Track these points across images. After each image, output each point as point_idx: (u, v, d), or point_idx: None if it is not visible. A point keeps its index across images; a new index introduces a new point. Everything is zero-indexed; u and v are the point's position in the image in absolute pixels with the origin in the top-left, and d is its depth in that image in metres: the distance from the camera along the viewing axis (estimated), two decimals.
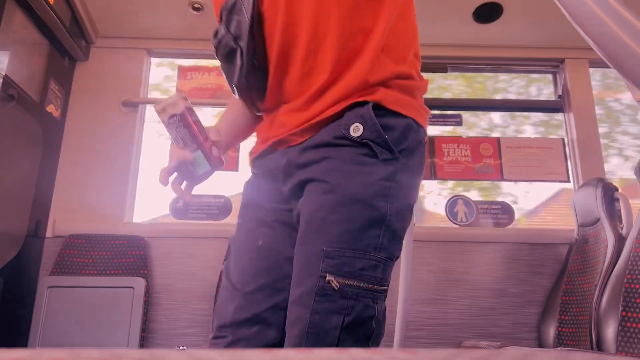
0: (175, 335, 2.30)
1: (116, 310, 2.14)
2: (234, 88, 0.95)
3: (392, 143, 0.84)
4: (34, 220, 2.32)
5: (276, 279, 0.92)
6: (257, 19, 0.88)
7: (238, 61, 0.90)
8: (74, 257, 2.30)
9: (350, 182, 0.83)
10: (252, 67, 0.90)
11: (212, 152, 0.91)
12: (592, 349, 1.87)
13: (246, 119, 1.08)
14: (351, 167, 0.84)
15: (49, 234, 2.41)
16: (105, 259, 2.31)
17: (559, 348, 2.09)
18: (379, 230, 0.83)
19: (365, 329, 0.82)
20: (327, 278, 0.80)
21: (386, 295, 0.88)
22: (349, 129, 0.84)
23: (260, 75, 0.92)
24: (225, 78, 0.96)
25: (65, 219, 2.44)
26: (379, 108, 0.85)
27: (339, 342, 0.79)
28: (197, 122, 0.90)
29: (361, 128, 0.83)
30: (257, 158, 0.99)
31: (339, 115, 0.86)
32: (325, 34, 0.86)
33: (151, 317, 2.30)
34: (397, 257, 0.89)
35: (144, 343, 2.20)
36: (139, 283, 2.19)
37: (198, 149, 0.89)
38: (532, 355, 0.30)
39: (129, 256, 2.32)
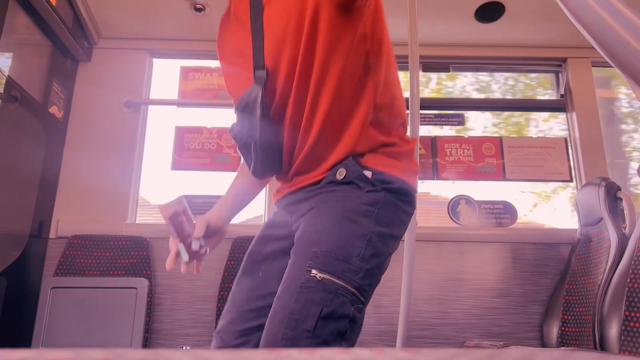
0: (179, 336, 2.31)
1: (119, 311, 2.14)
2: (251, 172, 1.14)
3: (374, 180, 1.00)
4: (37, 221, 2.33)
5: (264, 306, 1.06)
6: (267, 116, 1.03)
7: (253, 153, 1.07)
8: (77, 257, 2.30)
9: (339, 204, 0.99)
10: (265, 155, 1.07)
11: (192, 246, 1.11)
12: (595, 348, 1.87)
13: (251, 190, 1.29)
14: (340, 195, 1.00)
15: (52, 234, 2.42)
16: (108, 259, 2.32)
17: (562, 348, 2.09)
18: (361, 243, 0.95)
19: (340, 325, 0.91)
20: (312, 272, 0.91)
21: (363, 308, 0.96)
22: (335, 174, 1.01)
23: (274, 159, 1.09)
24: (242, 157, 1.16)
25: (68, 219, 2.44)
26: (364, 168, 1.01)
27: (314, 330, 0.88)
28: (185, 221, 1.10)
29: (344, 172, 1.00)
30: (277, 199, 1.19)
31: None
32: (316, 123, 1.02)
33: (154, 317, 2.30)
34: (377, 277, 1.00)
35: (147, 343, 2.20)
36: (142, 283, 2.20)
37: (181, 242, 1.10)
38: (535, 354, 0.30)
39: (131, 257, 2.33)
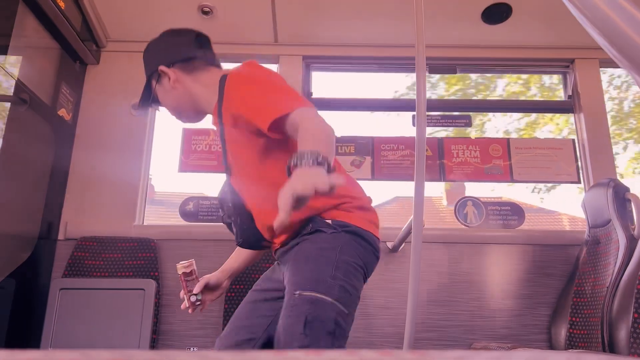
0: (186, 337, 2.31)
1: (127, 312, 2.16)
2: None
3: (334, 225, 1.28)
4: (46, 222, 2.35)
5: (254, 324, 1.44)
6: (238, 204, 1.42)
7: (234, 229, 1.48)
8: (85, 259, 2.32)
9: (311, 245, 1.27)
10: (242, 230, 1.44)
11: (190, 299, 1.52)
12: (603, 351, 1.86)
13: (249, 258, 1.64)
14: (311, 240, 1.29)
15: (60, 236, 2.44)
16: (116, 261, 2.33)
17: (570, 350, 2.08)
18: (331, 268, 1.21)
19: (327, 326, 1.16)
20: (296, 293, 1.19)
21: (347, 317, 1.20)
22: (305, 228, 1.30)
23: (249, 232, 1.44)
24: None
25: (76, 221, 2.46)
26: (325, 219, 1.30)
27: (305, 331, 1.13)
28: (190, 280, 1.54)
29: (311, 225, 1.29)
30: (273, 254, 1.50)
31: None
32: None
33: (162, 318, 2.31)
34: (353, 293, 1.24)
35: (154, 344, 2.21)
36: (150, 285, 2.21)
37: (185, 295, 1.54)
38: (542, 357, 0.30)
39: (139, 258, 2.34)
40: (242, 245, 1.52)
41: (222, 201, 1.48)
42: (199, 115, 1.56)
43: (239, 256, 1.63)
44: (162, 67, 1.49)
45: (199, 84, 1.49)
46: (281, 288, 1.33)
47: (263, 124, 1.23)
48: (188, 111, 1.55)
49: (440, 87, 3.82)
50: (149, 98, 1.56)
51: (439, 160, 2.70)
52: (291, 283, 1.23)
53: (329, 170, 1.03)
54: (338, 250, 1.24)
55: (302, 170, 1.02)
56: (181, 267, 1.55)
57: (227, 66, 1.57)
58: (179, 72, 1.49)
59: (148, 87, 1.55)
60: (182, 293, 1.55)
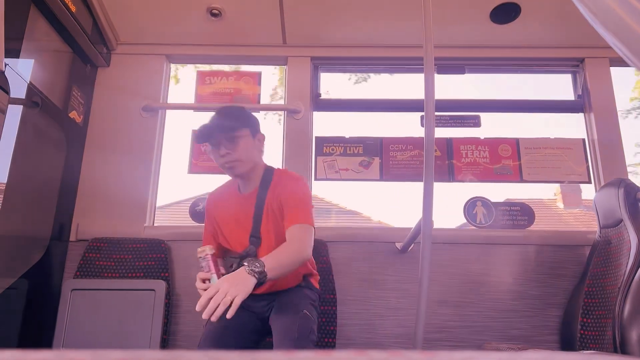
0: (196, 337, 2.32)
1: (138, 313, 2.17)
2: None
3: (314, 287, 1.95)
4: (57, 224, 2.37)
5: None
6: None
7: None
8: (96, 260, 2.34)
9: (307, 292, 1.90)
10: None
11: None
12: (615, 352, 1.84)
13: None
14: (306, 290, 1.92)
15: (72, 237, 2.46)
16: (127, 262, 2.35)
17: (581, 351, 2.06)
18: (313, 308, 1.84)
19: (313, 336, 1.72)
20: (304, 312, 1.75)
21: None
22: (303, 282, 1.93)
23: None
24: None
25: (88, 222, 2.48)
26: (312, 284, 1.96)
27: (309, 335, 1.67)
28: (215, 260, 1.67)
29: (305, 282, 1.93)
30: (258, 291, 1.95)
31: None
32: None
33: (172, 319, 2.33)
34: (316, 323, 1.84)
35: (165, 345, 2.22)
36: (160, 285, 2.22)
37: (214, 274, 1.65)
38: (553, 358, 0.30)
39: (150, 259, 2.35)
40: None
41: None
42: (241, 174, 1.90)
43: None
44: (262, 134, 1.95)
45: (260, 160, 1.95)
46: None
47: (287, 225, 1.76)
48: (245, 167, 1.87)
49: None
50: (234, 129, 1.85)
51: (447, 161, 2.70)
52: (299, 304, 1.79)
53: (261, 283, 1.48)
54: (315, 300, 1.90)
55: (241, 273, 1.48)
56: (209, 248, 1.69)
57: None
58: (262, 144, 1.96)
59: (241, 127, 1.86)
60: (205, 274, 1.67)
